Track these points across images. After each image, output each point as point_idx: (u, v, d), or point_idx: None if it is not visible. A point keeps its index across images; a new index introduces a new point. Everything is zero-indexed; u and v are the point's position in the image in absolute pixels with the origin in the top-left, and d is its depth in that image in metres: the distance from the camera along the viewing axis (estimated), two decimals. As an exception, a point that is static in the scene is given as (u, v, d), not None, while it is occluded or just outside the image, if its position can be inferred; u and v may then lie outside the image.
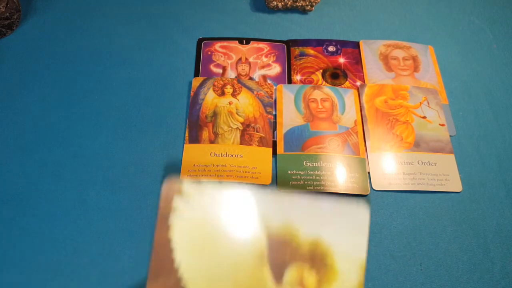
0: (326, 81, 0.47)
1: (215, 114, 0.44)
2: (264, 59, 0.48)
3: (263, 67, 0.48)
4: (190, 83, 0.46)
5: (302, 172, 0.41)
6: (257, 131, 0.43)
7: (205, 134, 0.43)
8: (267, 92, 0.46)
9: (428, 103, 0.46)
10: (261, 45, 0.49)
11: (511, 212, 0.40)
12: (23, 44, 0.48)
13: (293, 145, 0.42)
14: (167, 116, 0.44)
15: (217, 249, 0.14)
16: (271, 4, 0.51)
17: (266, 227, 0.14)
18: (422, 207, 0.41)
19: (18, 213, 0.38)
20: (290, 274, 0.15)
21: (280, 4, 0.51)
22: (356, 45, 0.50)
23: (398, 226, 0.40)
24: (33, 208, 0.39)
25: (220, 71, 0.47)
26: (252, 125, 0.43)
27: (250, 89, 0.46)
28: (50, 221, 0.38)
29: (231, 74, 0.47)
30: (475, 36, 0.52)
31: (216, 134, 0.43)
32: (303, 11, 0.52)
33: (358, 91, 0.47)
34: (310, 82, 0.47)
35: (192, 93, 0.45)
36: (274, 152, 0.42)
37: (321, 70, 0.48)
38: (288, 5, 0.52)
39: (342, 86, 0.47)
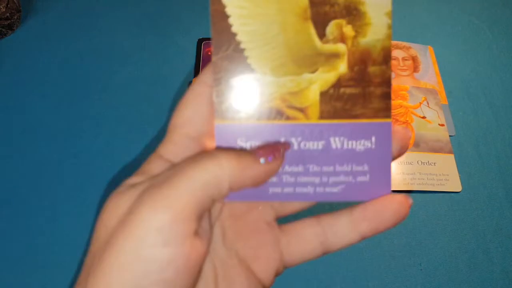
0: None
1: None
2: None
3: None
4: (190, 83, 0.46)
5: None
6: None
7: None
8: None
9: (427, 103, 0.46)
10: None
11: (510, 212, 0.40)
12: (24, 44, 0.49)
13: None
14: (167, 116, 0.44)
15: (265, 11, 0.16)
16: None
17: None
18: (422, 207, 0.41)
19: (18, 213, 0.38)
20: (331, 30, 0.17)
21: None
22: (356, 45, 0.50)
23: (397, 226, 0.39)
24: (33, 208, 0.39)
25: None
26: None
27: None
28: (50, 221, 0.38)
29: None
30: (474, 36, 0.53)
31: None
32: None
33: (358, 91, 0.47)
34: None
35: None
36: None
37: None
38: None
39: (342, 86, 0.47)
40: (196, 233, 0.16)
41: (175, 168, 0.16)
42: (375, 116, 0.17)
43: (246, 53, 0.17)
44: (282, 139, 0.17)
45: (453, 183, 0.42)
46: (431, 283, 0.37)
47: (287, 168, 0.17)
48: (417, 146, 0.44)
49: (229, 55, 0.17)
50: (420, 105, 0.46)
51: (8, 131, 0.43)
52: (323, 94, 0.17)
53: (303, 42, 0.17)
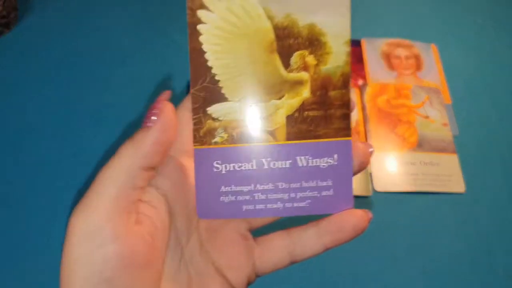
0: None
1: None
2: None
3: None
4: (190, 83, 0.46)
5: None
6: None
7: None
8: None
9: (430, 102, 0.45)
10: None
11: (514, 213, 0.40)
12: (20, 43, 0.49)
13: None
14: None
15: (236, 46, 0.19)
16: None
17: (269, 17, 0.19)
18: (425, 208, 0.41)
19: (17, 213, 0.38)
20: (295, 60, 0.19)
21: None
22: (358, 43, 0.50)
23: (400, 228, 0.40)
24: (32, 208, 0.38)
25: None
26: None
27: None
28: (50, 221, 0.38)
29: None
30: (478, 35, 0.52)
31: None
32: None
33: (360, 90, 0.46)
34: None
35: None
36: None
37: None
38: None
39: (344, 85, 0.46)
40: (138, 222, 0.18)
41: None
42: (336, 135, 0.20)
43: (220, 84, 0.19)
44: (253, 160, 0.20)
45: (457, 184, 0.42)
46: (434, 284, 0.37)
47: (258, 186, 0.20)
48: (420, 146, 0.43)
49: (205, 87, 0.19)
50: (423, 104, 0.46)
51: (5, 130, 0.43)
52: (289, 118, 0.20)
53: (270, 72, 0.19)
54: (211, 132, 0.19)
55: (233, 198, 0.20)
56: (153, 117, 0.18)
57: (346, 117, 0.20)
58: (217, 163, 0.19)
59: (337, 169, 0.20)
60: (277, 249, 0.21)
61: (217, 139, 0.19)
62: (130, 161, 0.17)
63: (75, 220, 0.17)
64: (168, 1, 0.53)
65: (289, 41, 0.19)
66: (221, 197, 0.20)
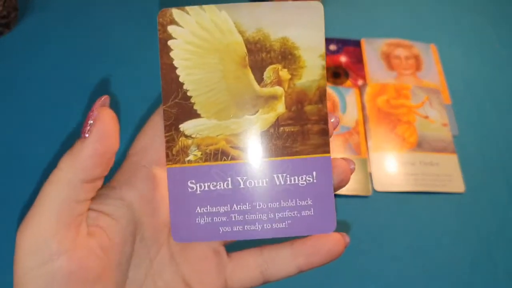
0: (327, 80, 0.47)
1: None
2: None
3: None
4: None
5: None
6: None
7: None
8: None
9: (430, 102, 0.45)
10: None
11: (514, 213, 0.40)
12: (20, 43, 0.48)
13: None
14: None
15: (208, 61, 0.18)
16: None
17: (240, 32, 0.18)
18: (425, 208, 0.40)
19: (17, 213, 0.39)
20: (268, 75, 0.19)
21: None
22: (358, 43, 0.50)
23: (400, 228, 0.39)
24: (28, 207, 0.38)
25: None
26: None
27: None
28: None
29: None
30: (478, 35, 0.52)
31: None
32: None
33: (360, 91, 0.46)
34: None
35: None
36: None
37: (322, 69, 0.47)
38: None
39: (344, 85, 0.46)
40: (90, 235, 0.17)
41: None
42: (314, 152, 0.19)
43: (192, 100, 0.19)
44: (229, 179, 0.19)
45: (456, 184, 0.42)
46: (434, 284, 0.37)
47: (235, 206, 0.19)
48: (420, 146, 0.43)
49: (177, 103, 0.19)
50: (422, 104, 0.46)
51: (4, 131, 0.42)
52: (264, 134, 0.19)
53: (243, 87, 0.19)
54: (184, 150, 0.19)
55: (209, 219, 0.19)
56: (88, 127, 0.17)
57: (324, 132, 0.19)
58: (191, 183, 0.19)
59: (317, 188, 0.19)
60: (250, 268, 0.20)
61: (190, 157, 0.19)
62: (69, 175, 0.17)
63: (21, 235, 0.16)
64: (168, 1, 0.53)
65: (262, 55, 0.18)
66: (197, 219, 0.19)
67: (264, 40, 0.18)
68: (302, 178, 0.19)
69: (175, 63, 0.18)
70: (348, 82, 0.48)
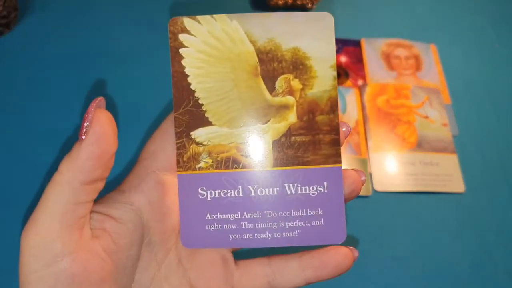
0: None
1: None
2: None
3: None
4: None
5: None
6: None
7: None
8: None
9: (430, 102, 0.45)
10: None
11: (514, 213, 0.40)
12: (20, 43, 0.48)
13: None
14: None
15: (219, 70, 0.18)
16: (272, 1, 0.51)
17: (252, 41, 0.18)
18: (425, 208, 0.40)
19: (17, 213, 0.38)
20: (280, 84, 0.19)
21: (280, 1, 0.51)
22: (358, 43, 0.50)
23: (400, 228, 0.39)
24: (32, 208, 0.38)
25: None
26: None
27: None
28: None
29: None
30: (478, 35, 0.52)
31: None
32: (303, 9, 0.52)
33: (360, 91, 0.46)
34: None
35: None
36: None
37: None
38: (288, 3, 0.51)
39: (344, 85, 0.46)
40: (95, 237, 0.17)
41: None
42: (325, 162, 0.19)
43: (204, 108, 0.19)
44: (240, 187, 0.19)
45: (456, 184, 0.42)
46: (434, 284, 0.37)
47: (245, 214, 0.19)
48: (420, 146, 0.43)
49: (189, 111, 0.19)
50: (422, 104, 0.46)
51: (5, 131, 0.42)
52: (275, 143, 0.19)
53: (254, 96, 0.19)
54: (195, 157, 0.19)
55: (219, 226, 0.19)
56: (85, 129, 0.17)
57: (336, 143, 0.19)
58: (202, 190, 0.19)
59: (328, 198, 0.19)
60: (257, 277, 0.20)
61: (201, 164, 0.19)
62: (69, 178, 0.17)
63: (26, 236, 0.17)
64: (169, 1, 0.53)
65: (273, 65, 0.18)
66: (207, 226, 0.19)
67: (276, 50, 0.18)
68: (313, 188, 0.19)
69: (187, 71, 0.19)
70: (348, 82, 0.48)
